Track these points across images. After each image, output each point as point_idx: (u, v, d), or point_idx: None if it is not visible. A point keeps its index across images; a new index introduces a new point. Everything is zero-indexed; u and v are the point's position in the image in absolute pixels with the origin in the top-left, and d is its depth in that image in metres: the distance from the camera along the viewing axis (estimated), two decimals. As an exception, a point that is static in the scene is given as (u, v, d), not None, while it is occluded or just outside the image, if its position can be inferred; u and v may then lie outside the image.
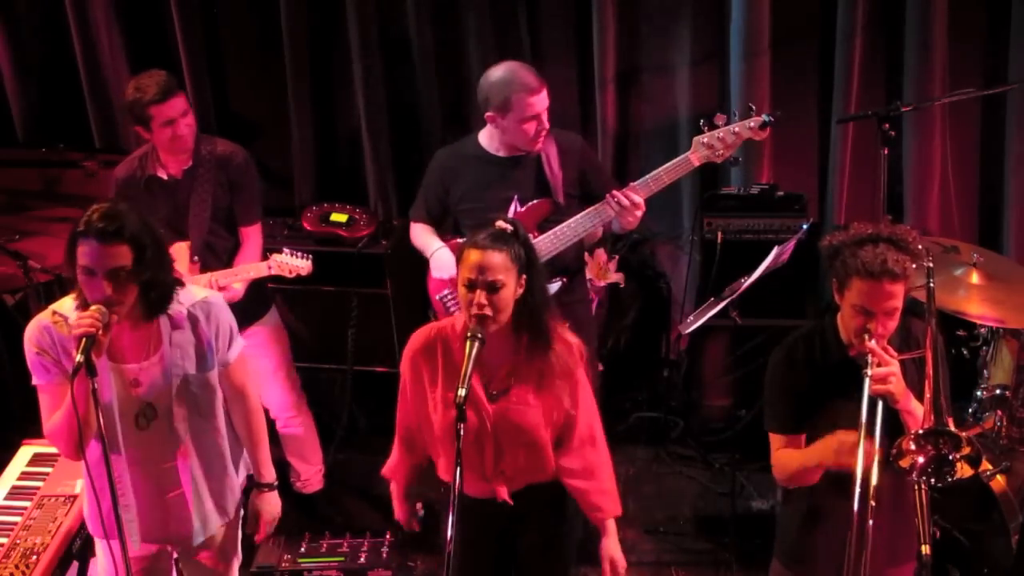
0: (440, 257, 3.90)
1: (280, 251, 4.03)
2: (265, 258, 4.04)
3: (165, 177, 3.98)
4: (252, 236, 4.11)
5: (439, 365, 3.03)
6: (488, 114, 3.75)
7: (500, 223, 2.97)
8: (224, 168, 4.00)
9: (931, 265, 2.97)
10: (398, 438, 3.27)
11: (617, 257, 4.31)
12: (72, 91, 5.24)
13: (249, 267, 4.01)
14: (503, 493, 3.09)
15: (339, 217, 4.80)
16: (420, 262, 5.07)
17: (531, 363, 3.01)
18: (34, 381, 2.91)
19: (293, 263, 4.01)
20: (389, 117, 5.05)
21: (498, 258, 2.88)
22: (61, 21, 5.12)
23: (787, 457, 2.97)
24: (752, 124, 3.67)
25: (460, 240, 3.79)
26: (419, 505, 3.40)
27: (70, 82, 5.23)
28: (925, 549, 2.59)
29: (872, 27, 4.55)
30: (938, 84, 4.48)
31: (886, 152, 3.99)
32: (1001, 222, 4.69)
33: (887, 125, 3.97)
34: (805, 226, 4.45)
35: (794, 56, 4.70)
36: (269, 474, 3.25)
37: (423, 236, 4.01)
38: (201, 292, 3.04)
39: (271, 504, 3.26)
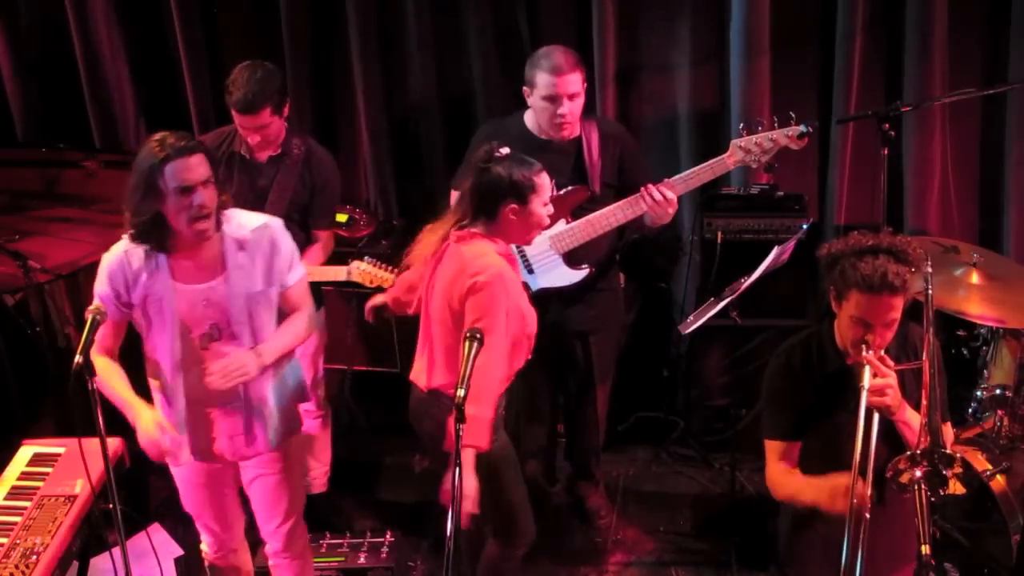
0: None
1: (362, 258, 4.02)
2: (346, 262, 4.04)
3: (249, 157, 4.00)
4: (325, 239, 4.13)
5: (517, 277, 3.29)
6: (524, 88, 3.85)
7: (502, 150, 3.21)
8: (310, 168, 4.01)
9: (930, 271, 2.96)
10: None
11: (617, 257, 4.31)
12: (72, 91, 5.24)
13: (327, 269, 4.01)
14: None
15: (339, 217, 4.80)
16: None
17: None
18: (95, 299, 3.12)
19: (377, 273, 4.00)
20: (389, 117, 5.05)
21: None
22: (61, 21, 5.12)
23: (782, 479, 2.96)
24: (790, 133, 3.70)
25: None
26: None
27: (70, 82, 5.22)
28: (925, 549, 2.59)
29: (872, 27, 4.55)
30: (938, 84, 4.48)
31: (886, 152, 3.99)
32: (1001, 222, 4.69)
33: (887, 125, 3.97)
34: (805, 226, 4.45)
35: (794, 56, 4.70)
36: (263, 349, 3.19)
37: None
38: (261, 217, 3.22)
39: (243, 355, 3.15)
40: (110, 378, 3.17)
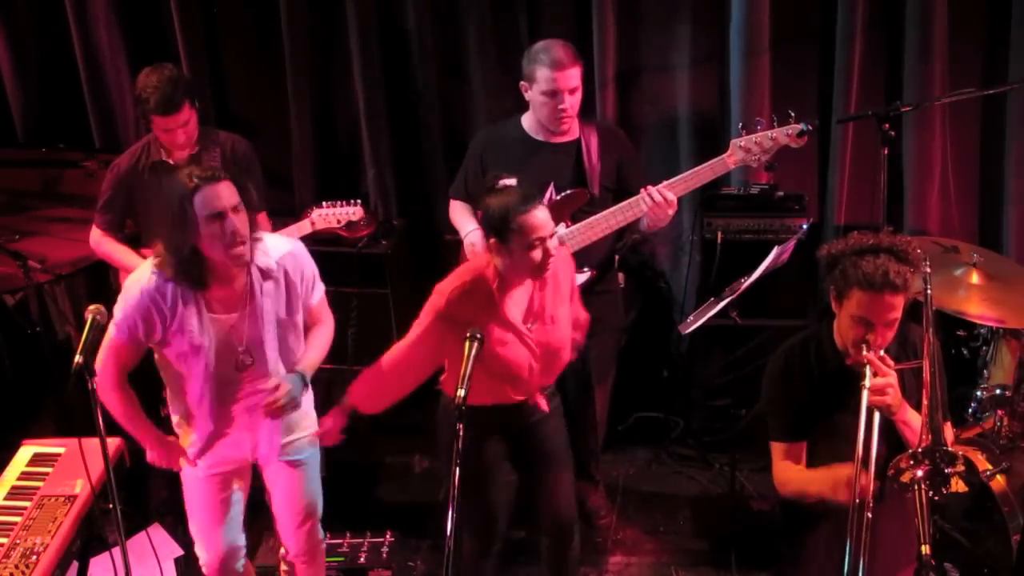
0: (473, 240, 3.95)
1: (320, 205, 4.01)
2: (306, 214, 4.07)
3: (172, 162, 4.01)
4: (261, 224, 4.11)
5: (484, 309, 3.20)
6: (522, 83, 3.84)
7: (507, 182, 3.14)
8: (229, 156, 4.04)
9: (929, 271, 2.96)
10: (382, 372, 3.37)
11: (617, 257, 4.32)
12: (72, 91, 5.24)
13: (287, 230, 4.02)
14: (542, 403, 3.41)
15: (339, 217, 4.80)
16: (420, 262, 5.11)
17: (544, 288, 3.27)
18: (112, 328, 3.09)
19: (340, 211, 3.98)
20: (389, 117, 5.05)
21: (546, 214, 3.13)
22: (61, 21, 5.12)
23: (787, 476, 2.96)
24: (790, 131, 3.71)
25: None
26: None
27: (70, 82, 5.22)
28: (925, 549, 2.59)
29: (872, 27, 4.55)
30: (938, 84, 4.48)
31: (886, 152, 3.99)
32: (1001, 222, 4.69)
33: (887, 125, 3.97)
34: (805, 226, 4.45)
35: (794, 56, 4.70)
36: (305, 367, 3.31)
37: (460, 215, 4.08)
38: (286, 244, 3.26)
39: (290, 382, 3.24)
40: (121, 405, 3.22)
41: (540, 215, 3.07)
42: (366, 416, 4.88)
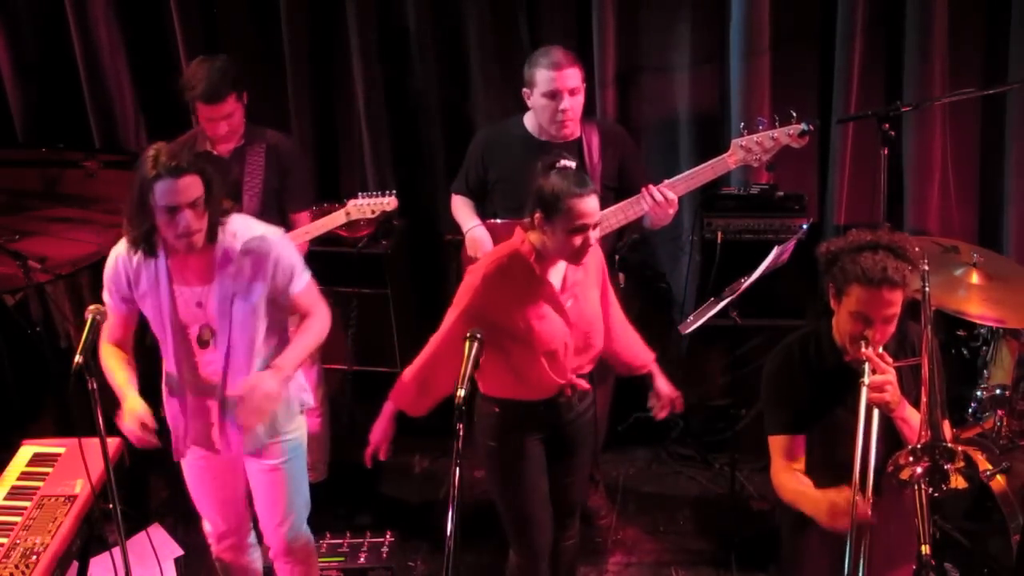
0: (475, 235, 3.95)
1: (355, 196, 4.06)
2: (342, 203, 4.10)
3: (216, 153, 4.06)
4: (302, 222, 4.15)
5: (523, 283, 3.21)
6: (524, 90, 3.85)
7: (566, 162, 3.15)
8: (277, 154, 4.08)
9: (927, 269, 2.96)
10: (421, 366, 3.35)
11: (617, 257, 4.32)
12: (72, 91, 5.24)
13: (324, 220, 4.05)
14: (582, 383, 3.39)
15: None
16: (420, 262, 5.11)
17: (577, 268, 3.30)
18: (105, 298, 3.25)
19: (375, 201, 4.03)
20: (389, 117, 5.05)
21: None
22: (61, 21, 5.12)
23: (784, 482, 2.95)
24: (791, 131, 3.72)
25: (497, 221, 3.83)
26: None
27: (70, 82, 5.22)
28: (925, 549, 2.59)
29: (872, 27, 4.55)
30: (938, 84, 4.47)
31: (886, 152, 3.99)
32: (1001, 222, 4.69)
33: (887, 125, 3.97)
34: (805, 226, 4.45)
35: (794, 56, 4.70)
36: (283, 363, 3.23)
37: (462, 211, 4.09)
38: (260, 229, 3.24)
39: (262, 378, 3.18)
40: (108, 364, 3.24)
41: (590, 203, 3.13)
42: (365, 416, 4.87)
